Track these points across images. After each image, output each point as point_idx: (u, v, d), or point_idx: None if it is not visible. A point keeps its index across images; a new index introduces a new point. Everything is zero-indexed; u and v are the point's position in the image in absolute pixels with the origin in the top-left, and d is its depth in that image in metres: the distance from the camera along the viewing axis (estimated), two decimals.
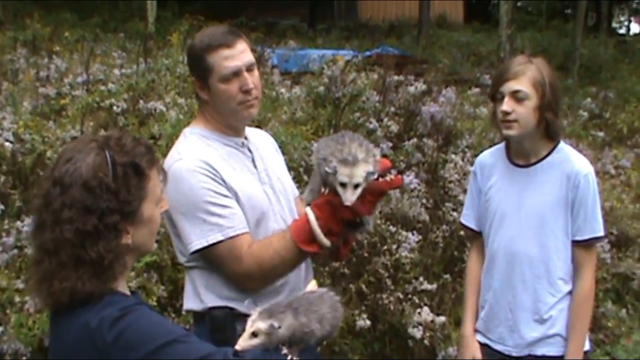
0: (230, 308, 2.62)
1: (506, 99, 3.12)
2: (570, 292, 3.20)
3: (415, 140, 6.78)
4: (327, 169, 2.44)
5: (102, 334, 1.79)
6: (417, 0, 21.23)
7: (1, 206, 4.69)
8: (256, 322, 1.90)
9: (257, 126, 3.66)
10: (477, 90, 9.60)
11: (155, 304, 4.43)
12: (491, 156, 3.43)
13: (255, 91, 2.72)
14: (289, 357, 1.90)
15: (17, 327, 4.01)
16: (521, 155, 3.27)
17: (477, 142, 7.22)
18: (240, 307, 2.58)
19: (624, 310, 6.62)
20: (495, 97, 3.20)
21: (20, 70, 7.89)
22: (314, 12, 25.14)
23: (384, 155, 6.34)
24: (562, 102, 11.72)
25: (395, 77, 8.02)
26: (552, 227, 3.18)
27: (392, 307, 5.25)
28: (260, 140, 3.01)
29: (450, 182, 6.46)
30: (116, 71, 7.59)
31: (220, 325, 2.59)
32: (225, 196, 2.62)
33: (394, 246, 5.55)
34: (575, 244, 3.19)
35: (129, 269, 2.03)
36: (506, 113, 3.12)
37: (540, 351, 3.20)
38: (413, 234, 5.65)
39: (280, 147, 3.18)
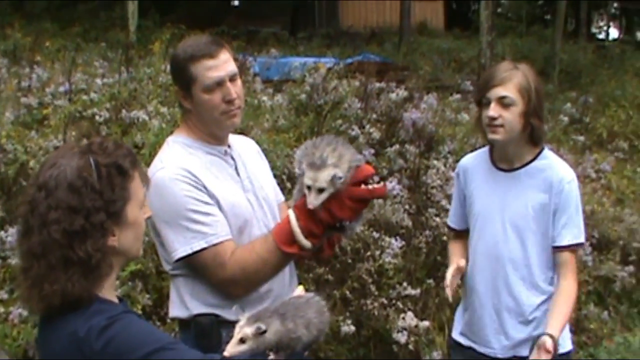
0: (216, 315, 2.64)
1: (492, 105, 3.16)
2: (553, 294, 3.23)
3: (397, 146, 6.82)
4: (297, 170, 2.49)
5: (90, 343, 1.81)
6: (398, 7, 21.32)
7: None
8: (244, 328, 1.92)
9: (241, 133, 3.68)
10: (458, 96, 9.66)
11: (140, 312, 4.43)
12: (474, 159, 3.46)
13: (238, 101, 2.75)
14: None
15: (1, 338, 4.02)
16: (505, 160, 3.31)
17: (459, 147, 7.27)
18: (225, 314, 2.60)
19: (605, 312, 6.70)
20: (482, 102, 3.23)
21: (1, 80, 7.87)
22: (295, 20, 25.17)
23: (368, 162, 6.42)
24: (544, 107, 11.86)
25: (377, 84, 8.06)
26: (535, 230, 3.22)
27: (376, 313, 5.29)
28: (244, 147, 3.02)
29: (432, 187, 6.51)
30: (98, 80, 7.58)
31: (206, 332, 2.61)
32: (208, 204, 2.64)
33: (378, 252, 5.59)
34: (557, 249, 3.22)
35: (115, 272, 2.04)
36: (492, 118, 3.15)
37: (525, 352, 3.21)
38: (396, 240, 5.69)
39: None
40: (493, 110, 3.15)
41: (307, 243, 2.49)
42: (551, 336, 3.03)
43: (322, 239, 2.55)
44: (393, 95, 7.65)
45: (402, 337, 5.10)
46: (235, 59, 2.90)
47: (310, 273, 5.21)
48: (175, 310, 2.75)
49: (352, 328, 5.07)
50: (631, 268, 7.03)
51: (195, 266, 2.65)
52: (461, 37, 23.58)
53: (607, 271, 6.93)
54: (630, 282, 7.02)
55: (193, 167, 2.67)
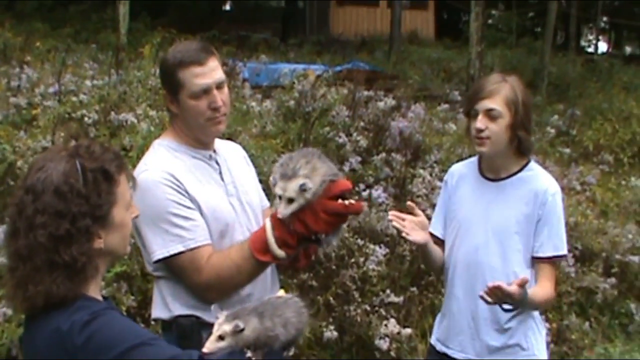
0: (196, 317, 2.67)
1: (480, 117, 3.20)
2: None
3: (384, 155, 6.87)
4: (271, 181, 2.50)
5: (72, 338, 1.85)
6: (389, 16, 21.39)
7: None
8: (222, 326, 1.96)
9: (228, 138, 3.71)
10: (446, 106, 9.72)
11: (124, 313, 4.46)
12: (464, 167, 3.51)
13: (223, 108, 2.79)
14: None
15: None
16: (492, 170, 3.36)
17: (445, 157, 7.32)
18: (206, 315, 2.63)
19: (587, 323, 6.75)
20: (470, 113, 3.28)
21: None
22: (286, 26, 25.18)
23: (353, 172, 6.47)
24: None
25: (365, 93, 8.12)
26: (516, 240, 3.26)
27: (359, 319, 5.32)
28: (230, 152, 3.06)
29: (418, 196, 6.55)
30: (88, 82, 7.60)
31: (187, 333, 2.64)
32: (189, 208, 2.68)
33: (362, 259, 5.63)
34: (538, 260, 3.27)
35: (101, 273, 2.07)
36: (479, 130, 3.20)
37: None
38: (380, 248, 5.73)
39: (250, 159, 3.23)
40: (480, 122, 3.20)
41: (280, 253, 2.50)
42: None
43: (297, 250, 2.55)
44: (381, 104, 7.70)
45: (384, 344, 5.14)
46: (225, 64, 2.93)
47: (294, 279, 5.25)
48: (158, 311, 2.78)
49: (335, 334, 5.12)
50: (613, 280, 7.08)
51: (173, 269, 2.69)
52: (451, 47, 23.67)
53: (590, 282, 6.98)
54: (612, 294, 7.07)
55: (177, 170, 2.71)
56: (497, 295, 2.90)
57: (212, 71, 2.74)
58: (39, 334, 1.93)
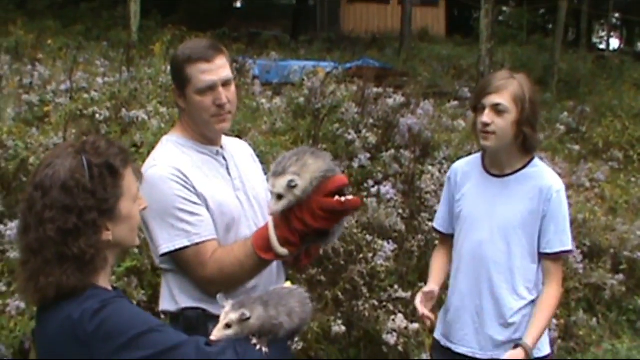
0: (203, 309, 2.72)
1: (487, 111, 3.24)
2: (533, 301, 3.32)
3: (392, 151, 6.90)
4: (266, 177, 2.53)
5: (83, 325, 1.91)
6: (400, 13, 21.41)
7: None
8: (229, 314, 2.01)
9: (237, 136, 3.76)
10: (455, 103, 9.74)
11: None
12: (467, 164, 3.55)
13: (228, 106, 2.83)
14: (258, 347, 2.01)
15: None
16: (496, 166, 3.39)
17: (454, 154, 7.34)
18: (212, 308, 2.67)
19: (594, 320, 6.78)
20: (477, 108, 3.32)
21: (3, 77, 7.94)
22: (297, 23, 25.25)
23: (362, 169, 6.51)
24: (541, 116, 11.93)
25: (375, 90, 8.14)
26: (521, 236, 3.30)
27: (367, 314, 5.36)
28: (237, 149, 3.11)
29: (426, 193, 6.58)
30: (99, 79, 7.66)
31: (193, 325, 2.69)
32: (195, 203, 2.73)
33: (370, 255, 5.66)
34: (545, 256, 3.32)
35: (110, 264, 2.13)
36: (485, 124, 3.24)
37: (504, 355, 3.32)
38: (389, 243, 5.76)
39: (259, 156, 3.28)
40: (486, 116, 3.24)
41: (283, 251, 2.52)
42: (525, 346, 3.19)
43: (301, 247, 2.56)
44: (390, 101, 7.72)
45: (391, 339, 5.18)
46: (235, 61, 2.98)
47: (303, 274, 5.29)
48: (165, 303, 2.84)
49: (343, 328, 5.15)
50: (621, 276, 7.10)
51: (179, 263, 2.75)
52: (462, 44, 23.66)
53: (598, 279, 7.00)
54: (620, 290, 7.09)
55: (184, 166, 2.76)
56: None
57: (219, 69, 2.80)
58: (51, 323, 1.99)
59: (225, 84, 2.82)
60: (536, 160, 3.38)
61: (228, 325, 2.00)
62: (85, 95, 6.97)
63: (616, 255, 7.40)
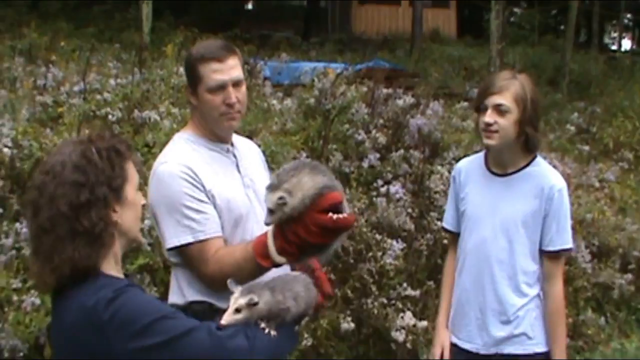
0: (210, 303, 2.80)
1: (489, 111, 3.31)
2: (536, 296, 3.39)
3: (402, 151, 6.95)
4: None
5: (98, 313, 1.98)
6: (411, 15, 21.47)
7: (0, 209, 4.85)
8: (238, 300, 2.09)
9: (248, 136, 3.83)
10: (465, 103, 9.78)
11: None
12: (470, 163, 3.62)
13: (237, 105, 2.91)
14: (267, 331, 2.09)
15: (14, 325, 4.17)
16: (499, 165, 3.46)
17: (464, 154, 7.36)
18: (218, 302, 2.75)
19: (603, 319, 6.82)
20: (480, 108, 3.39)
21: (18, 78, 8.04)
22: (308, 25, 25.31)
23: (371, 169, 6.56)
24: (550, 117, 11.92)
25: (385, 90, 8.19)
26: (523, 234, 3.36)
27: (376, 312, 5.42)
28: (247, 149, 3.19)
29: (435, 192, 6.63)
30: (112, 81, 7.74)
31: (200, 318, 2.74)
32: (202, 201, 2.80)
33: (379, 253, 5.72)
34: (546, 254, 3.38)
35: (118, 250, 2.21)
36: (488, 124, 3.31)
37: (507, 350, 3.39)
38: (398, 242, 5.82)
39: (270, 156, 3.34)
40: (489, 116, 3.31)
41: (280, 259, 2.53)
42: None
43: (299, 258, 2.54)
44: (400, 102, 7.78)
45: (400, 336, 5.24)
46: (247, 63, 3.05)
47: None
48: (174, 297, 2.92)
49: (352, 325, 5.21)
50: (630, 276, 7.14)
51: (184, 258, 2.84)
52: (473, 45, 23.70)
53: (606, 278, 7.04)
54: (629, 290, 7.13)
55: (194, 163, 2.84)
56: None
57: (230, 69, 2.88)
58: (66, 312, 2.07)
59: (236, 84, 2.90)
60: (538, 159, 3.43)
61: (238, 310, 2.08)
62: (98, 96, 7.04)
63: (625, 255, 7.44)
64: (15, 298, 4.30)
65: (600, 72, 18.14)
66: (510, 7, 29.74)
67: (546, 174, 3.39)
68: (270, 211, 2.47)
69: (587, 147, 10.38)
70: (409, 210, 6.31)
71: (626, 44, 36.89)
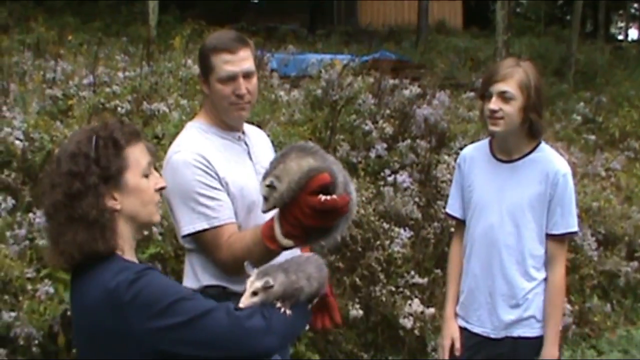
0: (224, 287, 2.89)
1: (494, 98, 3.37)
2: (543, 279, 3.46)
3: (409, 141, 6.98)
4: None
5: (119, 295, 2.06)
6: (416, 6, 21.47)
7: (12, 201, 4.91)
8: (254, 283, 2.17)
9: (258, 126, 3.89)
10: (471, 94, 9.82)
11: None
12: (475, 150, 3.68)
13: (248, 96, 2.98)
14: (282, 310, 2.16)
15: (29, 313, 4.24)
16: (504, 151, 3.51)
17: (470, 143, 7.40)
18: (233, 285, 2.85)
19: (609, 306, 6.87)
20: (485, 96, 3.45)
21: (27, 72, 8.10)
22: (314, 17, 25.35)
23: (379, 158, 6.61)
24: (557, 107, 11.94)
25: (391, 81, 8.22)
26: (529, 219, 3.42)
27: (384, 299, 5.48)
28: (258, 137, 3.27)
29: (442, 182, 6.66)
30: (120, 74, 7.79)
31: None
32: (216, 188, 2.88)
33: (387, 242, 5.78)
34: (551, 237, 3.44)
35: (131, 236, 2.29)
36: (493, 111, 3.37)
37: (516, 332, 3.45)
38: (405, 231, 5.87)
39: (278, 146, 3.41)
40: (494, 103, 3.37)
41: (287, 242, 2.58)
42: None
43: (301, 241, 2.61)
44: (406, 92, 7.81)
45: (408, 323, 5.30)
46: (254, 56, 3.12)
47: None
48: (188, 281, 3.00)
49: (361, 313, 5.27)
50: (636, 264, 7.18)
51: (198, 244, 2.92)
52: (479, 35, 23.70)
53: (612, 266, 7.08)
54: (635, 278, 7.18)
55: (207, 151, 2.92)
56: None
57: (241, 60, 2.95)
58: (87, 294, 2.15)
59: (247, 75, 2.97)
60: (543, 145, 3.49)
61: (254, 293, 2.15)
62: (107, 89, 7.10)
63: (631, 243, 7.49)
64: (29, 287, 4.36)
65: (606, 62, 18.15)
66: None
67: (551, 159, 3.44)
68: (265, 198, 2.54)
69: (593, 137, 10.41)
70: (416, 199, 6.36)
71: (633, 34, 36.79)
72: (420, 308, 5.36)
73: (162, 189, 2.37)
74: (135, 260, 2.29)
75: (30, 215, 4.74)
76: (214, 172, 2.89)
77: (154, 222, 2.38)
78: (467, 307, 3.61)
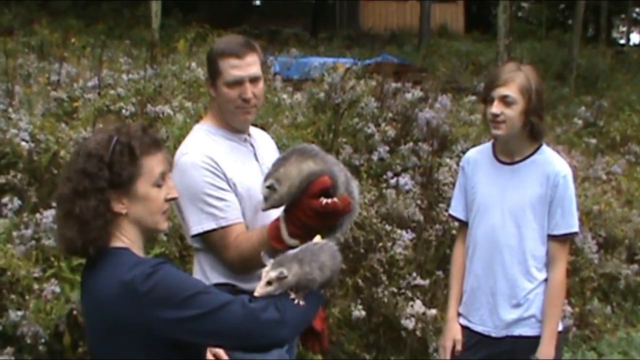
0: (232, 285, 2.95)
1: (496, 102, 3.43)
2: (544, 280, 3.50)
3: (411, 144, 7.01)
4: None
5: (136, 287, 2.12)
6: (418, 10, 21.52)
7: (19, 201, 4.96)
8: (269, 273, 2.23)
9: (262, 129, 3.94)
10: (473, 97, 9.85)
11: None
12: (478, 153, 3.74)
13: (254, 100, 3.05)
14: (296, 301, 2.23)
15: (35, 312, 4.29)
16: (506, 154, 3.57)
17: (472, 147, 7.43)
18: (241, 284, 2.92)
19: (609, 308, 6.91)
20: (487, 100, 3.51)
21: (32, 75, 8.15)
22: (317, 20, 25.40)
23: (381, 161, 6.65)
24: (558, 111, 11.97)
25: (394, 85, 8.26)
26: (531, 220, 3.48)
27: (386, 300, 5.52)
28: (263, 139, 3.35)
29: (444, 184, 6.70)
30: (124, 76, 7.84)
31: None
32: (224, 189, 2.95)
33: (389, 244, 5.80)
34: (552, 238, 3.50)
35: (135, 239, 2.34)
36: (495, 115, 3.43)
37: (517, 331, 3.51)
38: (407, 233, 5.90)
39: (282, 149, 3.46)
40: (496, 107, 3.42)
41: (293, 242, 2.63)
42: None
43: (306, 240, 2.58)
44: (409, 95, 7.85)
45: (410, 324, 5.33)
46: (262, 61, 3.18)
47: None
48: None
49: (363, 314, 5.31)
50: (636, 267, 7.22)
51: (206, 243, 2.98)
52: (481, 40, 23.75)
53: (613, 269, 7.12)
54: (635, 280, 7.22)
55: (215, 153, 2.98)
56: None
57: (248, 65, 3.02)
58: (102, 288, 2.21)
59: (253, 80, 3.04)
60: (544, 147, 3.54)
61: (269, 283, 2.22)
62: (112, 92, 7.15)
63: (631, 246, 7.53)
64: (36, 287, 4.41)
65: (607, 66, 18.19)
66: (518, 2, 29.76)
67: (551, 161, 3.50)
68: (265, 198, 2.64)
69: (594, 141, 10.44)
70: (418, 201, 6.39)
71: (634, 38, 36.84)
72: (422, 309, 5.40)
73: (172, 199, 2.42)
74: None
75: (37, 215, 4.78)
76: (222, 174, 2.95)
77: (160, 230, 2.43)
78: (469, 306, 3.66)
